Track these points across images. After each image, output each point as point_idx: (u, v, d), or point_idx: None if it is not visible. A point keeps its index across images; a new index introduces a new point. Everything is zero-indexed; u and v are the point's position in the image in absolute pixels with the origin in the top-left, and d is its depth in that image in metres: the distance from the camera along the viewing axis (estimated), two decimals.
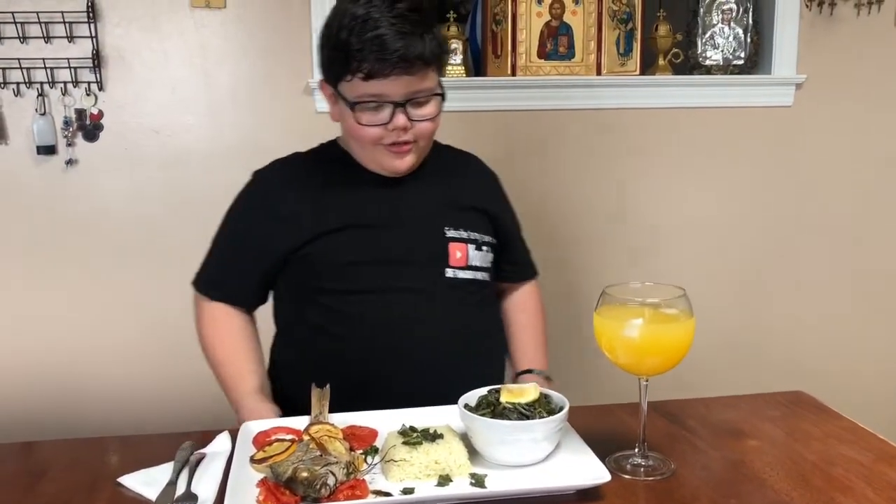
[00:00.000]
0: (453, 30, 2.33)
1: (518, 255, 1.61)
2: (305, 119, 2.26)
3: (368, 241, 1.41)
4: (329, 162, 1.49)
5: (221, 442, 1.19)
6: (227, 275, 1.49)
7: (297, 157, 1.52)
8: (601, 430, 1.21)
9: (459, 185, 1.51)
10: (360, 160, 1.44)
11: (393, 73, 1.30)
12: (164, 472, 1.10)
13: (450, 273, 1.42)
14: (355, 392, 1.32)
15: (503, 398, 1.12)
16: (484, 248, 1.47)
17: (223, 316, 1.49)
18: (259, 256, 1.45)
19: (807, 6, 2.38)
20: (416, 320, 1.39)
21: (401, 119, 1.35)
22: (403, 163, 1.40)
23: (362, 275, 1.40)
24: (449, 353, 1.40)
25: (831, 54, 2.42)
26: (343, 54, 1.31)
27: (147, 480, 1.07)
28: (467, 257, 1.44)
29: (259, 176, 1.51)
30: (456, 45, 2.32)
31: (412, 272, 1.40)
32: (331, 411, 1.20)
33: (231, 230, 1.50)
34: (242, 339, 1.48)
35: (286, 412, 1.33)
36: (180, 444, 1.17)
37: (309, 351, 1.45)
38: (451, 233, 1.43)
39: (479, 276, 1.46)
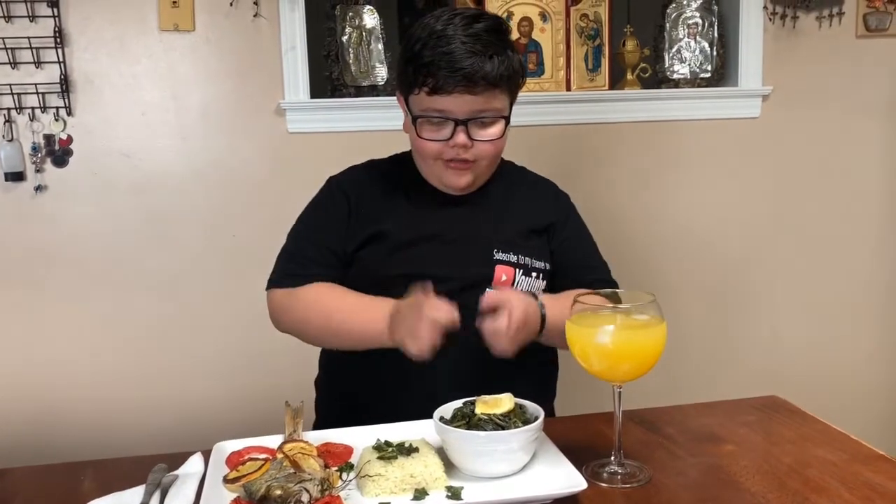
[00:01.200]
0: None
1: (583, 278, 1.48)
2: (277, 140, 2.26)
3: (415, 255, 1.41)
4: (399, 172, 1.50)
5: (194, 463, 1.17)
6: (309, 265, 1.44)
7: (371, 163, 1.55)
8: (577, 440, 1.20)
9: (521, 208, 1.49)
10: (424, 174, 1.46)
11: (456, 90, 1.31)
12: (135, 495, 1.08)
13: None
14: (387, 409, 1.28)
15: (478, 409, 1.11)
16: (534, 273, 1.44)
17: (321, 287, 1.41)
18: (335, 251, 1.44)
19: (770, 19, 2.42)
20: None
21: (461, 137, 1.35)
22: (461, 180, 1.40)
23: (401, 286, 1.33)
24: (478, 374, 1.32)
25: (796, 66, 2.47)
26: (413, 67, 1.34)
27: None
28: (513, 281, 1.41)
29: (333, 179, 1.53)
30: None
31: (452, 287, 1.34)
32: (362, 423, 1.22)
33: (308, 226, 1.49)
34: (351, 291, 1.40)
35: (326, 423, 1.35)
36: (152, 466, 1.15)
37: (348, 364, 1.45)
38: (499, 255, 1.42)
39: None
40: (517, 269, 1.42)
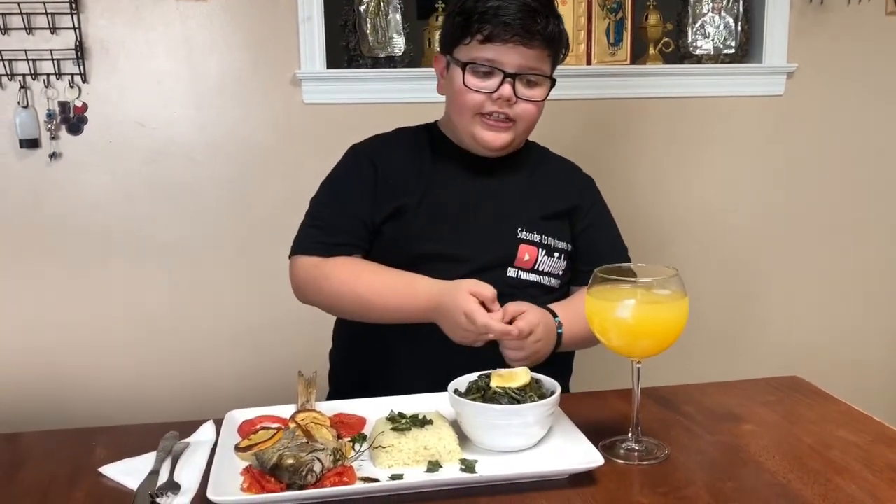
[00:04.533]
0: (441, 19, 2.31)
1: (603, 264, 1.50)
2: (293, 110, 2.24)
3: (438, 234, 1.39)
4: (427, 138, 1.48)
5: (206, 431, 1.16)
6: (338, 234, 1.40)
7: (398, 131, 1.52)
8: (594, 417, 1.19)
9: (546, 189, 1.48)
10: (458, 133, 1.43)
11: (511, 40, 1.32)
12: (146, 461, 1.07)
13: (512, 273, 1.39)
14: (399, 385, 1.27)
15: (493, 383, 1.10)
16: (556, 254, 1.43)
17: (352, 261, 1.39)
18: (364, 220, 1.41)
19: None
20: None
21: (507, 89, 1.34)
22: (497, 138, 1.39)
23: (423, 265, 1.36)
24: (494, 352, 1.30)
25: (822, 43, 2.41)
26: (466, 18, 1.34)
27: (128, 470, 1.05)
28: (536, 261, 1.40)
29: (358, 147, 1.50)
30: None
31: (474, 268, 1.36)
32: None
33: (335, 194, 1.45)
34: (381, 266, 1.38)
35: (339, 395, 1.35)
36: (164, 434, 1.15)
37: (362, 339, 1.44)
38: (523, 234, 1.41)
39: (546, 280, 1.42)
40: (540, 249, 1.41)
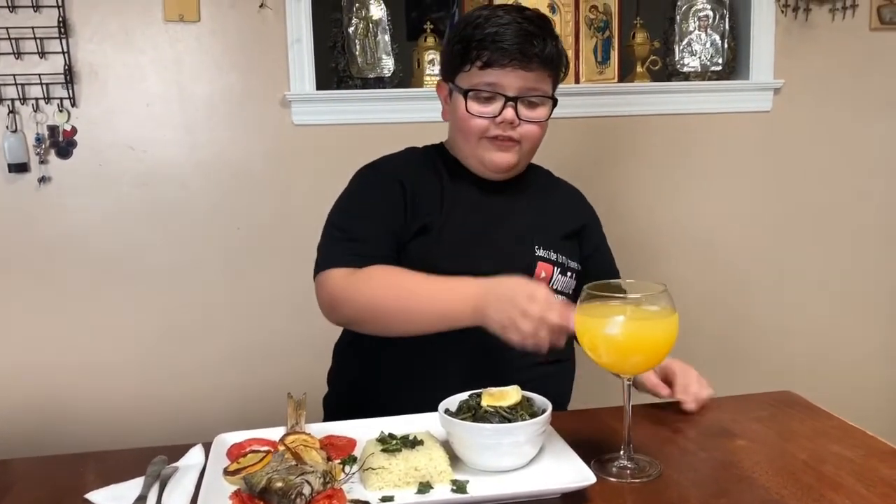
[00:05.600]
0: (430, 40, 2.32)
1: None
2: (283, 132, 2.24)
3: (461, 251, 1.38)
4: (437, 160, 1.48)
5: (194, 455, 1.15)
6: (373, 247, 1.35)
7: (408, 151, 1.52)
8: (585, 434, 1.18)
9: (557, 212, 1.50)
10: (464, 158, 1.44)
11: (510, 64, 1.34)
12: (134, 487, 1.06)
13: None
14: (400, 404, 1.25)
15: (484, 402, 1.09)
16: (568, 273, 1.44)
17: (386, 268, 1.32)
18: (397, 235, 1.37)
19: (782, 12, 2.38)
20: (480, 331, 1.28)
21: (509, 113, 1.36)
22: (504, 158, 1.40)
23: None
24: (507, 368, 1.28)
25: (808, 59, 2.43)
26: (465, 45, 1.37)
27: (115, 496, 1.03)
28: (551, 279, 1.41)
29: (374, 163, 1.48)
30: (434, 55, 2.31)
31: None
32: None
33: (364, 209, 1.40)
34: (418, 273, 1.31)
35: (342, 413, 1.33)
36: (152, 459, 1.13)
37: (365, 355, 1.42)
38: (540, 252, 1.42)
39: (559, 299, 1.40)
40: (555, 267, 1.42)
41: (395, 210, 1.39)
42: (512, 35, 1.34)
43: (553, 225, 1.47)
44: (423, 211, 1.39)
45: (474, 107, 1.38)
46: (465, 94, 1.38)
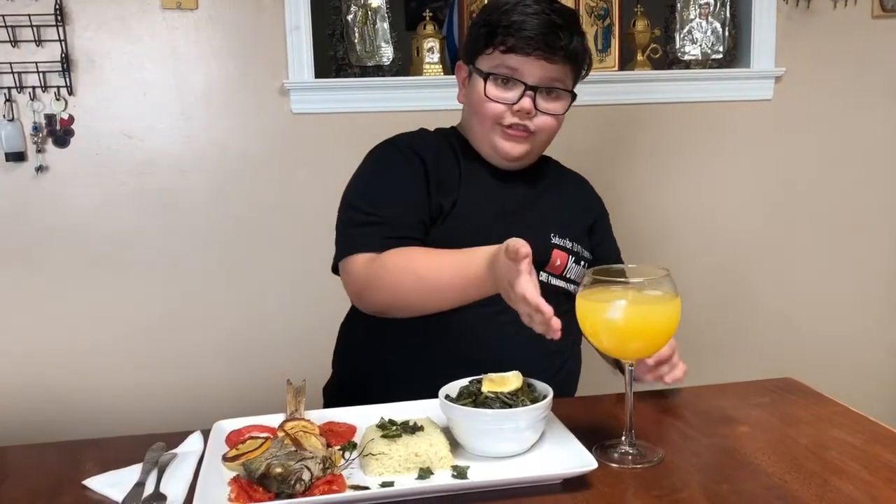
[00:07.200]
0: (430, 29, 2.31)
1: None
2: (281, 120, 2.23)
3: (481, 236, 1.28)
4: (451, 142, 1.46)
5: (193, 442, 1.14)
6: (399, 227, 1.30)
7: (422, 131, 1.49)
8: (587, 421, 1.17)
9: (571, 202, 1.50)
10: (477, 143, 1.43)
11: (534, 53, 1.33)
12: (132, 473, 1.05)
13: (542, 276, 1.36)
14: (402, 391, 1.24)
15: (485, 388, 1.08)
16: (581, 262, 1.43)
17: (402, 248, 1.27)
18: (423, 215, 1.33)
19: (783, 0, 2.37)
20: (496, 314, 1.27)
21: (527, 102, 1.35)
22: (515, 148, 1.38)
23: None
24: (515, 357, 1.24)
25: (810, 47, 2.42)
26: (490, 29, 1.35)
27: (113, 482, 1.02)
28: (566, 267, 1.40)
29: (391, 139, 1.43)
30: (433, 44, 2.30)
31: None
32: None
33: (386, 187, 1.35)
34: (436, 249, 1.28)
35: (342, 402, 1.29)
36: (150, 445, 1.12)
37: (382, 334, 1.38)
38: (556, 240, 1.41)
39: (571, 288, 1.40)
40: (570, 256, 1.41)
41: (419, 187, 1.35)
42: (539, 25, 1.32)
43: (568, 214, 1.47)
44: (443, 191, 1.37)
45: (493, 90, 1.36)
46: (486, 77, 1.36)
